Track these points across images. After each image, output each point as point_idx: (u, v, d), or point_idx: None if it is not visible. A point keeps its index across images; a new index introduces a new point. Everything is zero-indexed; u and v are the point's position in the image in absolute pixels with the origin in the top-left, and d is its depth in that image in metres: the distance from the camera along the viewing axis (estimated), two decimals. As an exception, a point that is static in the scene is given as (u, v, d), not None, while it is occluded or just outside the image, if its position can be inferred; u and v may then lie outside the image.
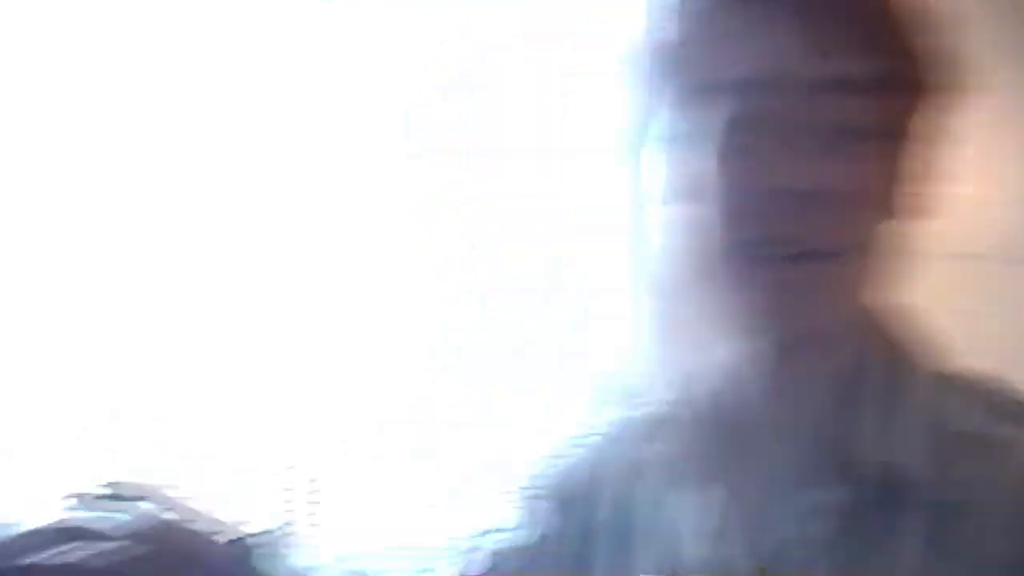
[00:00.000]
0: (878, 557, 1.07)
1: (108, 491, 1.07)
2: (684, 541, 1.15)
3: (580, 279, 3.12)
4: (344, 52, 3.00)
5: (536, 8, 3.07)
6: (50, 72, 2.80)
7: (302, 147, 2.98)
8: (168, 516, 1.05)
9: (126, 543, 1.01)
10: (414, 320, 3.07)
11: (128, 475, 1.09)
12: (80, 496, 1.07)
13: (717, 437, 1.18)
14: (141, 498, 1.07)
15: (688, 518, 1.15)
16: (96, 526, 1.02)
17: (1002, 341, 3.43)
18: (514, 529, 1.29)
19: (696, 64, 1.07)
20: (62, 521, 1.02)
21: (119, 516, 1.03)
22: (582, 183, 3.07)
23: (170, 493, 1.08)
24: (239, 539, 1.09)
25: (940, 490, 1.07)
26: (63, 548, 0.99)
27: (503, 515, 1.31)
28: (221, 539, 1.08)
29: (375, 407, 3.03)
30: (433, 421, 3.04)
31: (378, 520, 2.99)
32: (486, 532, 1.30)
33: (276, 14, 2.94)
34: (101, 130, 2.82)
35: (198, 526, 1.07)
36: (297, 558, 1.17)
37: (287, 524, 2.76)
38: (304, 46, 2.97)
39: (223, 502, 1.12)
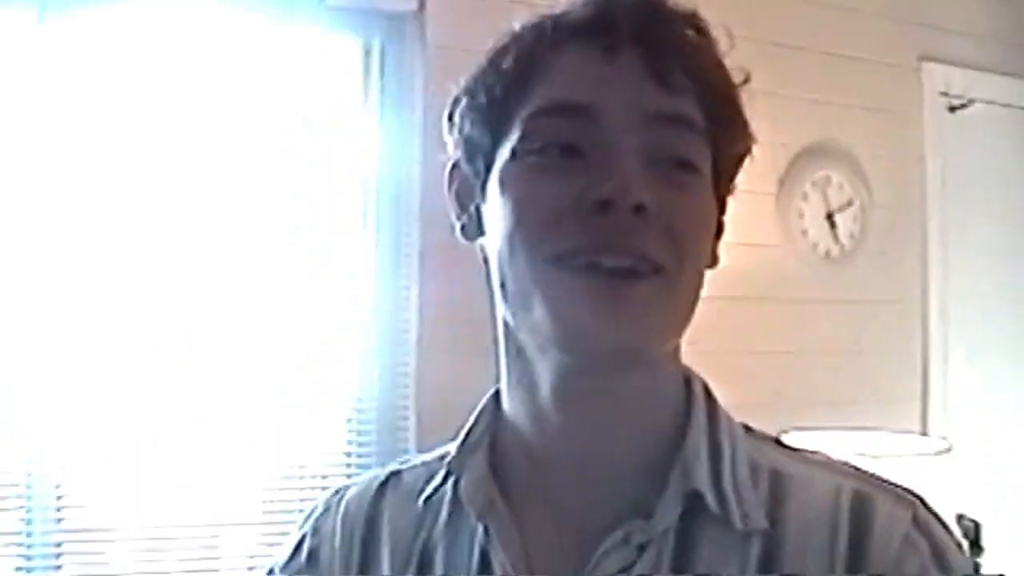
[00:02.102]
0: None
1: None
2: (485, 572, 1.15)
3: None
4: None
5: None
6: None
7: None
8: None
9: None
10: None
11: None
12: None
13: (522, 462, 1.18)
14: None
15: (489, 549, 1.14)
16: None
17: (766, 375, 3.78)
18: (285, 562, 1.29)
19: (535, 94, 1.10)
20: None
21: None
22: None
23: None
24: None
25: (754, 520, 1.10)
26: None
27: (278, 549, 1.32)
28: None
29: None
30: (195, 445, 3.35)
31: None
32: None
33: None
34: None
35: None
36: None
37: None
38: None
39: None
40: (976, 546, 3.82)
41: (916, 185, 4.53)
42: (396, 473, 1.30)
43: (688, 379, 1.20)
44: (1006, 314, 4.71)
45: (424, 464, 1.28)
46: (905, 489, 1.14)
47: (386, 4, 3.56)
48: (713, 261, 1.17)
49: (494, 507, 1.15)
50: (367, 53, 3.60)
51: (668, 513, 1.09)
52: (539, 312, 1.07)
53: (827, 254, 4.27)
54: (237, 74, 3.44)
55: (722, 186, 1.16)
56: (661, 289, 1.06)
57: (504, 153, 1.11)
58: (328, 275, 3.55)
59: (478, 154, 1.15)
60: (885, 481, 1.15)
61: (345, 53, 3.60)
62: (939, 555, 1.08)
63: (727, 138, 1.14)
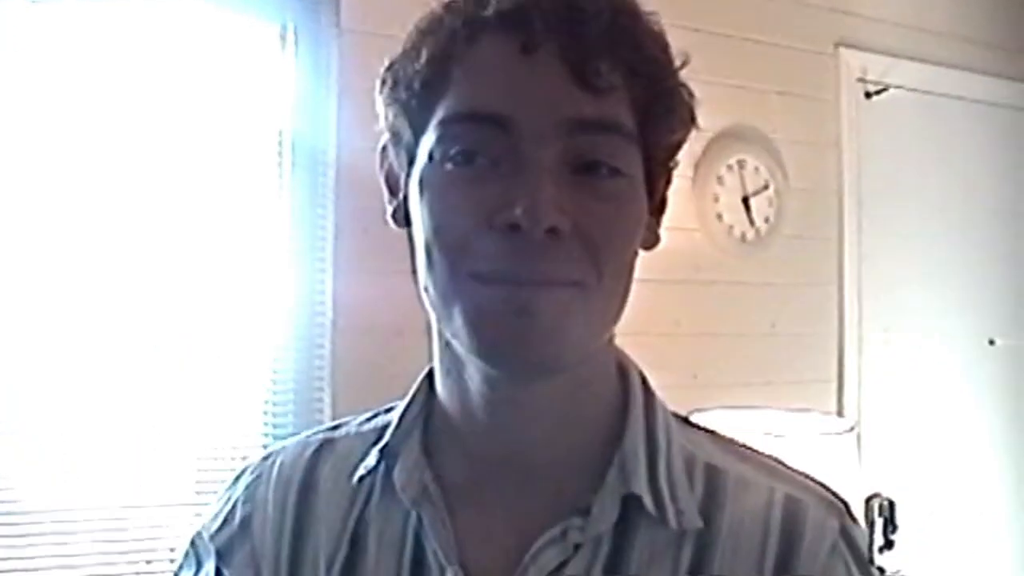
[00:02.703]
0: None
1: None
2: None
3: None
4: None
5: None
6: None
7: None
8: None
9: None
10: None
11: None
12: None
13: (456, 450, 1.17)
14: None
15: (423, 535, 1.14)
16: None
17: (682, 357, 3.89)
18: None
19: (450, 95, 1.06)
20: None
21: None
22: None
23: None
24: None
25: (688, 520, 1.10)
26: None
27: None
28: None
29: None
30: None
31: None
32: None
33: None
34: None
35: None
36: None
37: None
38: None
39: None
40: (890, 524, 3.88)
41: (832, 169, 4.57)
42: (329, 441, 1.28)
43: (624, 369, 1.19)
44: (920, 297, 4.77)
45: (359, 435, 1.26)
46: (833, 494, 1.16)
47: (301, -13, 3.54)
48: (654, 241, 1.16)
49: (427, 494, 1.14)
50: (282, 36, 3.59)
51: (605, 515, 1.09)
52: (458, 323, 1.06)
53: (743, 237, 4.30)
54: (149, 55, 3.41)
55: (659, 172, 1.13)
56: (577, 302, 1.04)
57: (423, 153, 1.08)
58: (242, 259, 3.54)
59: (401, 146, 1.12)
60: (814, 483, 1.17)
61: (260, 35, 3.58)
62: (862, 565, 1.12)
63: (663, 128, 1.10)
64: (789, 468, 1.18)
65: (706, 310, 4.19)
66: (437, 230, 1.06)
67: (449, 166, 1.05)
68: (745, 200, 4.29)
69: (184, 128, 3.44)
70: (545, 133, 1.02)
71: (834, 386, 4.52)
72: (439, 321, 1.11)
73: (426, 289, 1.09)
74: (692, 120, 1.12)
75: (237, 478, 1.30)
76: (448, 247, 1.05)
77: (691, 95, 1.12)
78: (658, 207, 1.16)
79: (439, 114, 1.06)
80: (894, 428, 4.56)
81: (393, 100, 1.11)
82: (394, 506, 1.16)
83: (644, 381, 1.19)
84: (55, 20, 3.27)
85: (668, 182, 1.16)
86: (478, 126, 1.04)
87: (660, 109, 1.08)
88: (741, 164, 4.29)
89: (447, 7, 1.09)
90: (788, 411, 3.76)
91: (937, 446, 4.73)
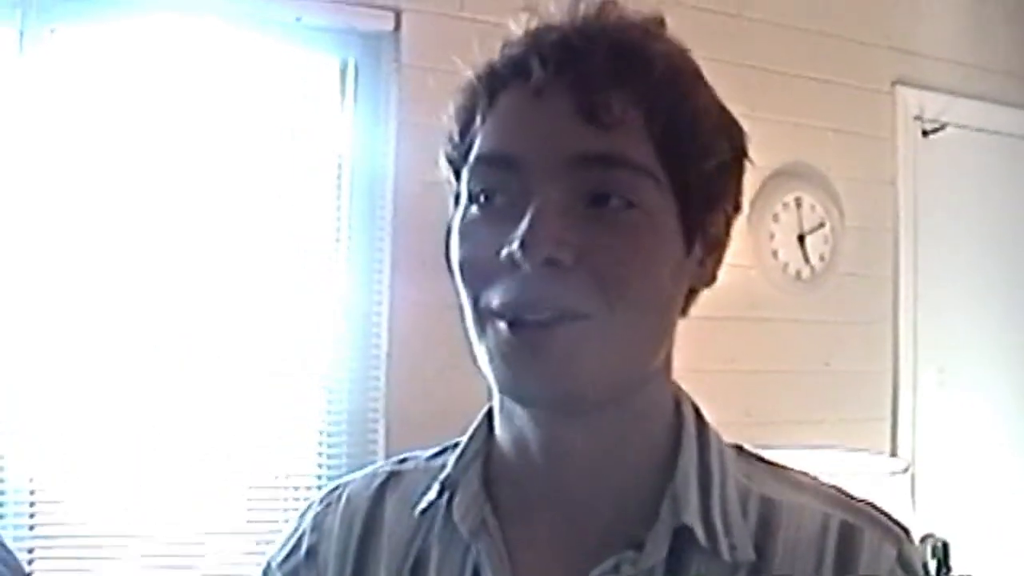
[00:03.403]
0: None
1: None
2: None
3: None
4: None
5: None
6: None
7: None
8: None
9: None
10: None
11: None
12: None
13: (512, 485, 1.18)
14: None
15: (480, 567, 1.14)
16: None
17: (736, 394, 3.81)
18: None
19: (476, 143, 1.09)
20: None
21: None
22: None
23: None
24: None
25: (741, 552, 1.09)
26: None
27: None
28: None
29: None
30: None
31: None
32: None
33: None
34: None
35: None
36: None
37: None
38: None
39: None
40: (944, 565, 3.84)
41: (888, 208, 4.56)
42: (396, 474, 1.29)
43: (678, 402, 1.18)
44: (975, 336, 4.74)
45: (426, 469, 1.27)
46: (893, 521, 1.14)
47: (362, 24, 3.59)
48: (708, 278, 1.15)
49: (486, 527, 1.15)
50: (343, 71, 3.64)
51: (658, 547, 1.09)
52: (484, 363, 1.08)
53: (798, 275, 4.30)
54: (215, 89, 3.49)
55: (698, 204, 1.09)
56: (587, 336, 1.04)
57: (459, 200, 1.12)
58: (299, 288, 3.58)
59: (452, 197, 1.16)
60: (875, 510, 1.15)
61: (321, 70, 3.64)
62: None
63: (688, 156, 1.07)
64: (849, 496, 1.17)
65: (760, 347, 4.18)
66: (460, 270, 1.09)
67: (474, 208, 1.09)
68: (801, 238, 4.28)
69: (246, 160, 3.50)
70: (553, 169, 1.04)
71: (888, 425, 4.49)
72: (477, 361, 1.11)
73: (467, 330, 1.11)
74: (733, 148, 1.12)
75: (306, 509, 1.32)
76: (470, 285, 1.08)
77: (728, 120, 1.12)
78: (711, 244, 1.14)
79: (469, 162, 1.10)
80: (949, 468, 4.53)
81: (443, 155, 1.16)
82: (454, 537, 1.17)
83: (698, 413, 1.19)
84: (128, 55, 3.37)
85: (727, 220, 1.15)
86: (494, 168, 1.07)
87: (681, 137, 1.07)
88: (797, 202, 4.28)
89: (475, 68, 1.13)
90: (841, 450, 3.74)
91: (992, 487, 4.69)
